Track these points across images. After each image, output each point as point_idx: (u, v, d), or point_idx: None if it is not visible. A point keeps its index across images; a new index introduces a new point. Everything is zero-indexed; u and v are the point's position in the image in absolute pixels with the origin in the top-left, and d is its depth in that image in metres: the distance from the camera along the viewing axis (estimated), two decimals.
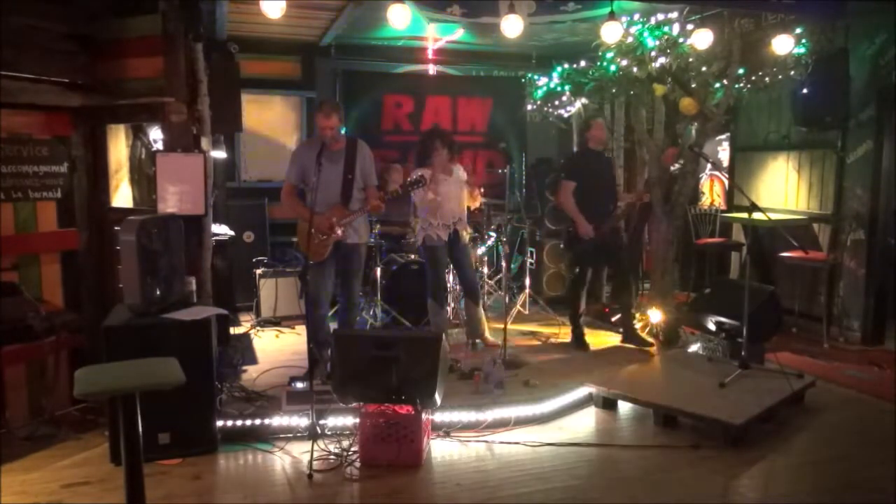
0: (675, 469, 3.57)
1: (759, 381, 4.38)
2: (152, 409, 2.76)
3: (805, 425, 4.16)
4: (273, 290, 6.30)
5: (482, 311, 5.50)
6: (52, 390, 4.05)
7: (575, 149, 7.45)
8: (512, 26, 4.94)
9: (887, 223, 5.65)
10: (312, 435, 3.65)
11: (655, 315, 5.50)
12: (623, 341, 5.48)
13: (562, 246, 5.55)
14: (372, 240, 5.66)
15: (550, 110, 7.69)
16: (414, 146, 7.55)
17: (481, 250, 6.23)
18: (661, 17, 5.34)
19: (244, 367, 4.88)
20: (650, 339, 5.35)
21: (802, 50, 5.61)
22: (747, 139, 6.99)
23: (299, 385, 4.23)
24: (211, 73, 4.58)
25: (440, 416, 3.99)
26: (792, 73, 5.66)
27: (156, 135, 4.75)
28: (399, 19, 4.91)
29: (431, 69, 7.84)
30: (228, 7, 5.52)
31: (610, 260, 5.72)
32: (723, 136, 7.35)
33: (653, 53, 5.28)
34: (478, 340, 5.42)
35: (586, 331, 5.63)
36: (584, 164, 5.55)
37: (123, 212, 4.39)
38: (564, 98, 7.21)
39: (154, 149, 4.70)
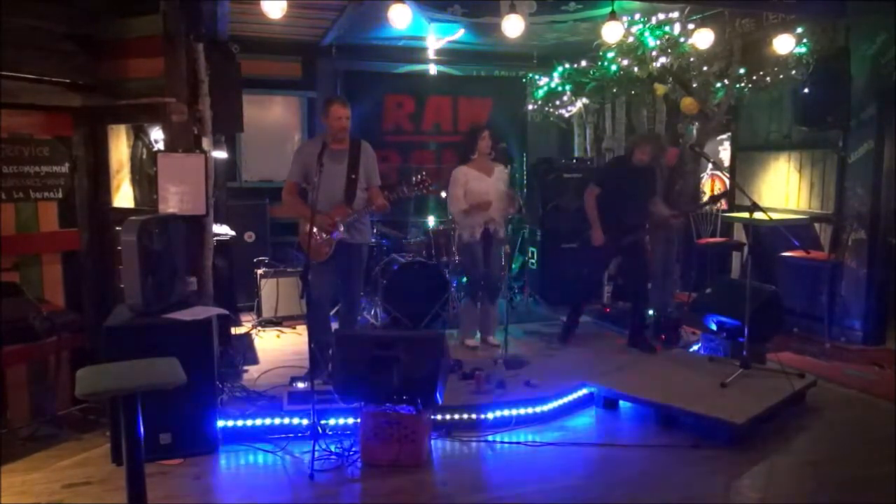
0: (675, 469, 3.58)
1: (761, 381, 4.39)
2: (153, 409, 2.77)
3: (806, 425, 4.16)
4: (274, 290, 6.30)
5: (496, 311, 5.50)
6: (54, 390, 4.06)
7: (619, 154, 7.14)
8: (513, 26, 4.94)
9: (888, 223, 5.64)
10: (314, 435, 3.64)
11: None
12: (628, 344, 5.47)
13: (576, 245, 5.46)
14: (373, 240, 5.66)
15: (551, 110, 7.68)
16: (414, 146, 7.64)
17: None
18: (661, 16, 5.35)
19: (245, 367, 4.88)
20: (655, 346, 5.34)
21: (803, 49, 5.61)
22: (748, 139, 6.99)
23: (300, 385, 4.24)
24: (212, 74, 4.58)
25: (441, 416, 3.99)
26: (793, 72, 5.66)
27: (157, 135, 4.75)
28: (400, 19, 4.91)
29: (432, 69, 7.84)
30: (229, 7, 5.51)
31: (627, 267, 5.69)
32: (724, 136, 7.36)
33: (654, 53, 5.28)
34: (483, 340, 5.43)
35: (586, 331, 5.60)
36: (617, 175, 5.36)
37: (124, 212, 4.39)
38: (565, 98, 7.20)
39: (155, 149, 4.70)
